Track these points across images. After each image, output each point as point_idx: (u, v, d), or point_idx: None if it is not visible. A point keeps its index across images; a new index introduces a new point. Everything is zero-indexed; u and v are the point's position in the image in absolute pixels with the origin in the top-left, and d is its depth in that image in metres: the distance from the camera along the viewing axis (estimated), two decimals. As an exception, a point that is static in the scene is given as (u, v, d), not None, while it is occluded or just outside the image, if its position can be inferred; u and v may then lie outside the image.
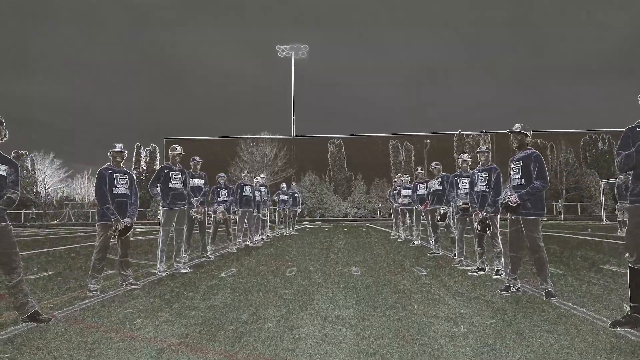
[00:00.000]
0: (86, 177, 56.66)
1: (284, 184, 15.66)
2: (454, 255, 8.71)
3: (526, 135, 5.10)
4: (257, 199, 12.32)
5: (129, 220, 5.78)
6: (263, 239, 12.94)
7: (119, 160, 5.88)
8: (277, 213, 15.03)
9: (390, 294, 5.24)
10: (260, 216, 12.50)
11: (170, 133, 59.70)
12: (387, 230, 19.74)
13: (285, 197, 14.97)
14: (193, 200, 8.60)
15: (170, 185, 7.24)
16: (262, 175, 13.28)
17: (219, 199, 10.48)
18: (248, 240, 11.93)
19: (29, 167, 52.48)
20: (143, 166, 53.33)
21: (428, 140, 53.15)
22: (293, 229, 16.08)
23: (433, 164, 9.73)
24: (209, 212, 10.24)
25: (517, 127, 5.11)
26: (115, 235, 5.66)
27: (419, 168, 11.45)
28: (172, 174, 7.30)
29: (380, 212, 46.59)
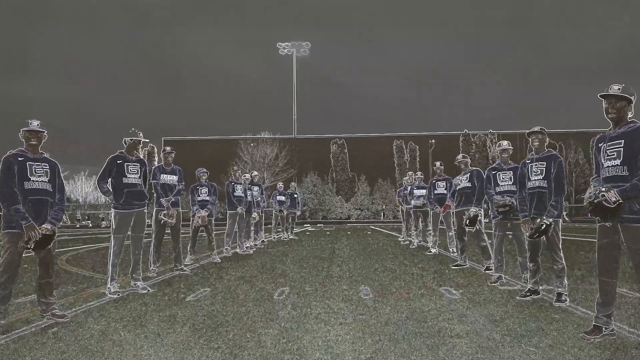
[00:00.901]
0: (83, 177, 55.10)
1: (281, 183, 13.96)
2: (486, 269, 7.04)
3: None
4: (249, 199, 10.72)
5: (48, 226, 4.16)
6: (256, 244, 11.29)
7: (34, 143, 4.25)
8: (273, 215, 13.43)
9: (418, 333, 3.56)
10: (251, 219, 10.82)
11: (169, 133, 57.98)
12: (393, 234, 18.01)
13: (283, 198, 13.33)
14: (162, 200, 6.98)
15: (125, 181, 5.55)
16: (255, 172, 11.65)
17: (199, 199, 8.82)
18: (237, 247, 10.27)
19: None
20: (140, 167, 51.43)
21: (433, 141, 51.39)
22: (292, 232, 14.43)
23: (459, 156, 8.07)
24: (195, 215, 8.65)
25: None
26: (28, 248, 4.03)
27: (438, 163, 9.78)
28: (128, 165, 5.61)
29: (384, 214, 44.82)
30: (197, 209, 8.76)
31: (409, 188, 11.10)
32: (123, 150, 5.79)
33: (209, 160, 39.42)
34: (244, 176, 10.70)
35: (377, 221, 41.00)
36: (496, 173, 6.16)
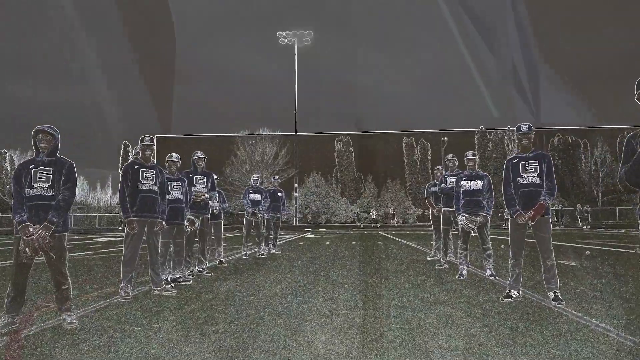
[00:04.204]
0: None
1: (255, 175, 10.04)
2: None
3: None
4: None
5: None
6: (201, 270, 6.97)
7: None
8: (245, 222, 9.49)
9: None
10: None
11: (161, 130, 54.48)
12: (411, 244, 14.30)
13: (258, 196, 9.66)
14: None
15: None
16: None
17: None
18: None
19: (8, 166, 48.60)
20: (132, 166, 48.27)
21: (445, 138, 47.84)
22: (274, 244, 10.64)
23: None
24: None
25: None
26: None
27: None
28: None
29: (395, 217, 41.02)
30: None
31: (447, 179, 7.20)
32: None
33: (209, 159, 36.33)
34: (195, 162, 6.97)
35: (386, 226, 37.27)
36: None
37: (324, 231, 27.91)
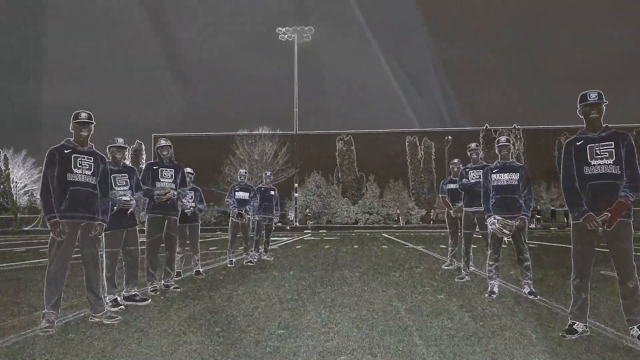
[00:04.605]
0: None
1: (242, 171, 8.75)
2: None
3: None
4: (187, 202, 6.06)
5: None
6: (170, 283, 5.67)
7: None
8: (230, 224, 8.58)
9: None
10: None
11: (159, 129, 53.52)
12: (418, 248, 13.08)
13: (246, 195, 8.32)
14: None
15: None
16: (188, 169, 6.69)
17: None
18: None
19: (2, 166, 47.42)
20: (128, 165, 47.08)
21: (450, 137, 46.56)
22: (266, 250, 9.42)
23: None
24: None
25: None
26: None
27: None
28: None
29: (399, 218, 39.72)
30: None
31: (469, 173, 5.89)
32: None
33: (201, 159, 35.13)
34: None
35: (388, 227, 35.99)
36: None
37: (324, 233, 26.64)
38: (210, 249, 12.34)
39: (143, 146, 47.63)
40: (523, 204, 4.76)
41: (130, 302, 4.55)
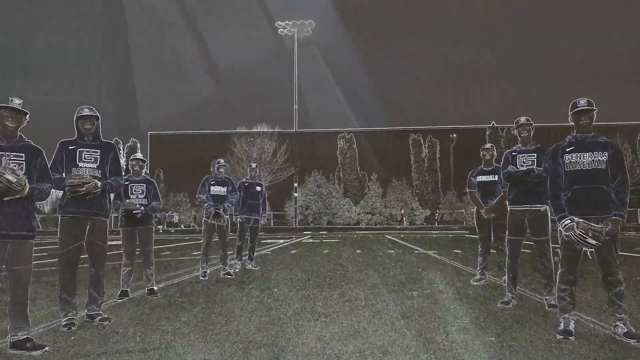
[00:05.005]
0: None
1: (220, 160, 6.89)
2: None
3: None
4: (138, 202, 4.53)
5: None
6: (95, 311, 3.91)
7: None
8: (203, 227, 6.69)
9: None
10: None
11: (154, 127, 52.04)
12: (429, 253, 11.52)
13: (222, 190, 6.50)
14: None
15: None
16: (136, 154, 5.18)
17: None
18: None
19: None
20: (122, 164, 45.75)
21: (454, 135, 45.01)
22: (251, 257, 7.81)
23: None
24: None
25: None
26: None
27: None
28: None
29: (403, 219, 38.08)
30: None
31: (517, 158, 4.26)
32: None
33: (198, 158, 33.60)
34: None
35: (391, 228, 34.38)
36: None
37: (324, 234, 25.04)
38: (194, 253, 10.77)
39: (138, 145, 46.19)
40: (615, 199, 3.17)
41: (18, 351, 2.97)
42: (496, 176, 5.44)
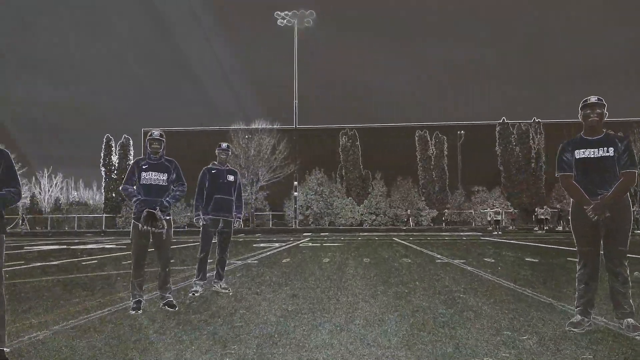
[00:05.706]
0: (46, 176, 47.23)
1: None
2: None
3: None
4: None
5: None
6: None
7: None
8: (131, 235, 4.16)
9: None
10: None
11: (148, 123, 50.15)
12: (451, 262, 9.36)
13: (160, 179, 4.15)
14: None
15: None
16: None
17: None
18: None
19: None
20: (115, 161, 43.90)
21: (462, 132, 42.78)
22: (220, 275, 5.23)
23: None
24: None
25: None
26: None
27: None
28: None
29: (409, 220, 35.86)
30: None
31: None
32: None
33: (194, 154, 31.54)
34: None
35: (397, 229, 32.19)
36: None
37: (325, 236, 22.82)
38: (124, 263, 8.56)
39: (131, 141, 44.07)
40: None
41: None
42: (610, 149, 3.27)
